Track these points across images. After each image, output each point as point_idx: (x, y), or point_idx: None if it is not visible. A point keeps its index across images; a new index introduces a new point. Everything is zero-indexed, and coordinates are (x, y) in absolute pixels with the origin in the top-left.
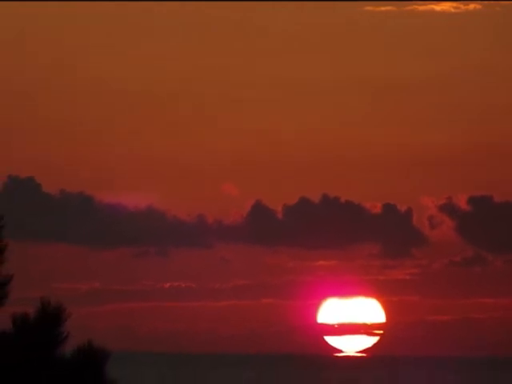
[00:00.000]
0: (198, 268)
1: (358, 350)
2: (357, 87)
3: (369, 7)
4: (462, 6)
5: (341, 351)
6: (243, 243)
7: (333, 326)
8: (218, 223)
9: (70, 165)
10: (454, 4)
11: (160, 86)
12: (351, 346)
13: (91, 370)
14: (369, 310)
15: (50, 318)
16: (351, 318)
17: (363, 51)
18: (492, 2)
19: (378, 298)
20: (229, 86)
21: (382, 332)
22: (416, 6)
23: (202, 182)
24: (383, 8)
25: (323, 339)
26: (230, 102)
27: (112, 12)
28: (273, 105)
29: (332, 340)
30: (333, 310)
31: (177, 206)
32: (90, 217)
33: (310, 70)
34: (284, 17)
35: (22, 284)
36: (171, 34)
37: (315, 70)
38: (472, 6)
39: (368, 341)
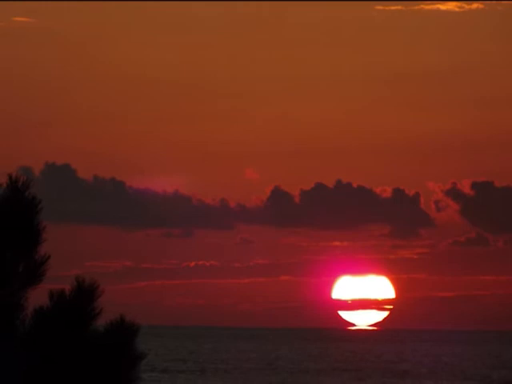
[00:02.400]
0: (222, 248)
1: (370, 324)
2: (366, 79)
3: (379, 6)
4: (465, 6)
5: (353, 325)
6: (263, 225)
7: (346, 301)
8: (240, 206)
9: (103, 152)
10: (458, 4)
11: (187, 78)
12: (363, 320)
13: (123, 343)
14: (379, 286)
15: (85, 294)
16: (363, 294)
17: (374, 46)
18: (493, 1)
19: (388, 275)
20: (252, 79)
21: (391, 307)
22: (423, 6)
23: (225, 168)
24: (393, 7)
25: (337, 314)
26: (251, 94)
27: (146, 9)
28: (290, 97)
29: (345, 315)
30: (346, 287)
31: (201, 190)
32: (122, 200)
33: (325, 63)
34: (304, 14)
35: (59, 263)
36: (199, 30)
37: (329, 63)
38: (475, 5)
39: (379, 315)
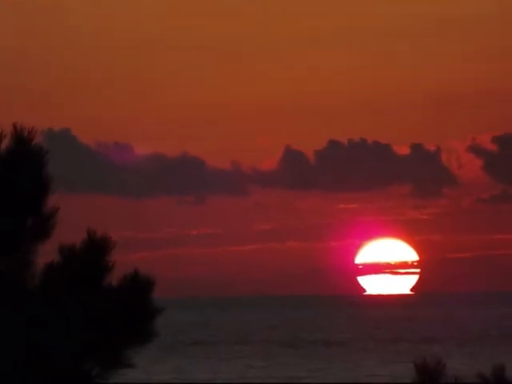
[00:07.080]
0: (233, 213)
1: (395, 288)
2: (378, 34)
3: None
4: None
5: (375, 290)
6: (276, 188)
7: (369, 265)
8: (252, 169)
9: (104, 116)
10: None
11: (196, 41)
12: (384, 284)
13: (138, 296)
14: (399, 250)
15: (97, 246)
16: (384, 257)
17: (385, 1)
18: None
19: (410, 237)
20: (258, 39)
21: (416, 270)
22: None
23: (235, 130)
24: None
25: (355, 279)
26: (258, 54)
27: None
28: (300, 55)
29: (364, 280)
30: (366, 252)
31: (212, 155)
32: (125, 166)
33: (334, 19)
34: None
35: (61, 232)
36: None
37: (339, 19)
38: None
39: (401, 279)
